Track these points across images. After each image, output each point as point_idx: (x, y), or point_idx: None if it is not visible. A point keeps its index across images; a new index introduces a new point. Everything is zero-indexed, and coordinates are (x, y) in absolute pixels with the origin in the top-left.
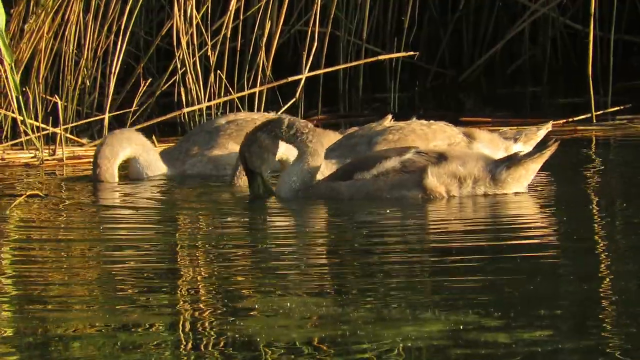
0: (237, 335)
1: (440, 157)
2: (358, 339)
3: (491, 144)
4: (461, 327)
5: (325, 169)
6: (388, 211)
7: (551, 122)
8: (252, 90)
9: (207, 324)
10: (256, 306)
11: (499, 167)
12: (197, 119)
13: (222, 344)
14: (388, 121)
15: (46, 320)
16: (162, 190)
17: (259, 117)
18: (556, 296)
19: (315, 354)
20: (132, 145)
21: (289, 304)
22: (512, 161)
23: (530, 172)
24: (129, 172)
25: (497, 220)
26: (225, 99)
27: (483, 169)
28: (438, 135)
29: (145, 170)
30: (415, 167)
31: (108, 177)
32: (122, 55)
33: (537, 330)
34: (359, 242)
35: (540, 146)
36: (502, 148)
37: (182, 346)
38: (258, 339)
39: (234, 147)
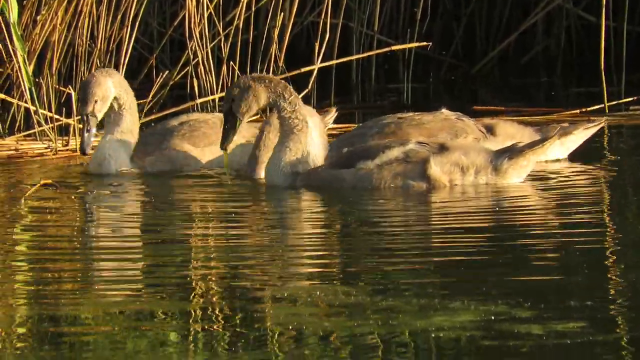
0: (268, 324)
1: (442, 148)
2: (390, 328)
3: (515, 139)
4: (492, 317)
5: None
6: (401, 200)
7: (605, 119)
8: None
9: (234, 313)
10: (285, 295)
11: (500, 158)
12: (210, 110)
13: (252, 332)
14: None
15: (57, 314)
16: (164, 183)
17: (212, 117)
18: (585, 287)
19: (347, 343)
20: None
21: (317, 293)
22: (514, 152)
23: (531, 162)
24: (94, 159)
25: (516, 211)
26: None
27: (485, 159)
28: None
29: (111, 164)
30: (418, 157)
31: (100, 94)
32: (131, 46)
33: (570, 321)
34: (379, 232)
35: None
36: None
37: (207, 337)
38: (288, 328)
39: (188, 148)
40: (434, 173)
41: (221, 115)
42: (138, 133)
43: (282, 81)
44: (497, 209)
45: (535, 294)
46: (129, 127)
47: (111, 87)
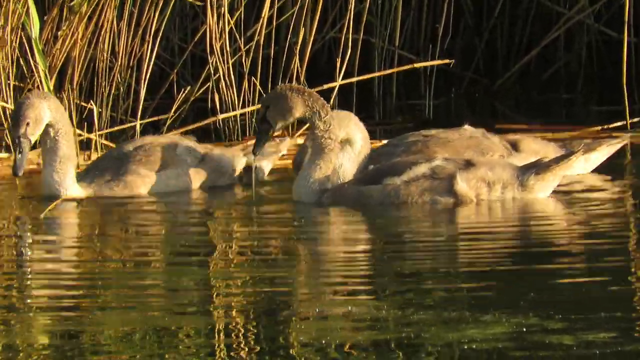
0: (301, 338)
1: (468, 164)
2: (423, 341)
3: (539, 155)
4: (524, 329)
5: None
6: (423, 215)
7: (628, 136)
8: None
9: (267, 329)
10: (317, 310)
11: (526, 173)
12: (231, 126)
13: (283, 346)
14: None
15: (78, 331)
16: (180, 199)
17: (166, 140)
18: (614, 298)
19: (379, 357)
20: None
21: (349, 307)
22: (540, 167)
23: (557, 177)
24: (44, 189)
25: (543, 224)
26: (260, 106)
27: (511, 174)
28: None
29: (60, 193)
30: (445, 174)
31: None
32: (152, 61)
33: (600, 332)
34: (407, 246)
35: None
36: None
37: (240, 350)
38: (322, 342)
39: (145, 173)
40: (460, 189)
41: (175, 137)
42: (76, 157)
43: (321, 98)
44: (526, 230)
45: (565, 305)
46: (67, 153)
47: (46, 110)
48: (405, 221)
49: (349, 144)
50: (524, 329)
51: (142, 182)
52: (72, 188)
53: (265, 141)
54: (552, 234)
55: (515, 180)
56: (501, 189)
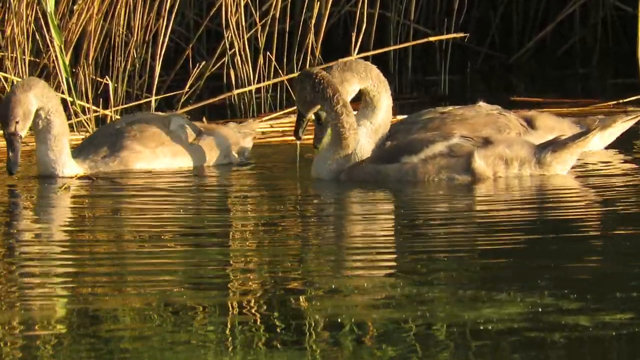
0: (316, 315)
1: (486, 141)
2: (438, 319)
3: (554, 131)
4: (539, 309)
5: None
6: (441, 193)
7: None
8: None
9: (283, 305)
10: (332, 286)
11: (544, 151)
12: (247, 101)
13: (299, 323)
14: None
15: (94, 310)
16: (196, 177)
17: (155, 117)
18: (631, 277)
19: (394, 334)
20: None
21: (365, 284)
22: (557, 145)
23: (574, 155)
24: (40, 168)
25: (560, 202)
26: (275, 80)
27: (528, 152)
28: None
29: (57, 171)
30: (462, 152)
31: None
32: (168, 36)
33: (617, 312)
34: (424, 224)
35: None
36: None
37: (258, 326)
38: (336, 319)
39: (140, 149)
40: (478, 167)
41: (169, 114)
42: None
43: (334, 86)
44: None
45: (581, 285)
46: (60, 130)
47: (33, 101)
48: (421, 199)
49: (372, 107)
50: (540, 309)
51: (136, 157)
52: (68, 165)
53: (301, 127)
54: (568, 212)
55: (533, 158)
56: (518, 166)
